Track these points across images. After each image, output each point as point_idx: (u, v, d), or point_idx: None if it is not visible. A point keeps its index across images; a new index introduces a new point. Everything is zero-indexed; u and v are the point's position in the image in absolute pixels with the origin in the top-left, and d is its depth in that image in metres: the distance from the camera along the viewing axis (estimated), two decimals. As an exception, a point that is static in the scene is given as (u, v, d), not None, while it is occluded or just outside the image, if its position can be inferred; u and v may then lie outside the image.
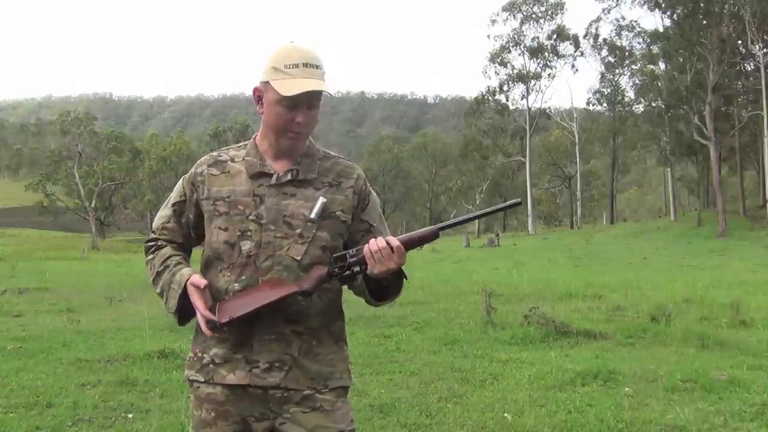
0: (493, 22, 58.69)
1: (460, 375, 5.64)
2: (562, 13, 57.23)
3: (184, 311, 1.84)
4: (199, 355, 1.89)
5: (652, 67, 50.09)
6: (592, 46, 55.34)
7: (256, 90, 1.86)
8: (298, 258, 1.82)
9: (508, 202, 1.92)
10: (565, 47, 57.42)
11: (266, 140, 1.90)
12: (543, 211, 70.05)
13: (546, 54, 57.42)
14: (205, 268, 1.91)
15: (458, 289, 11.92)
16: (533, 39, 57.26)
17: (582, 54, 56.74)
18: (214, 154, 1.97)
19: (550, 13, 56.75)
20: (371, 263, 1.76)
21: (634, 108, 55.11)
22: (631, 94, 55.32)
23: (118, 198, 64.72)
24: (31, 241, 47.62)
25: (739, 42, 42.27)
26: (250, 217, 1.83)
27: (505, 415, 4.46)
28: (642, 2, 45.91)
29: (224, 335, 1.83)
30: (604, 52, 55.05)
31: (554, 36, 56.87)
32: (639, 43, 51.67)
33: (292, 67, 1.78)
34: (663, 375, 5.37)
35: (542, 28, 57.25)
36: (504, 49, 57.92)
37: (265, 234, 1.82)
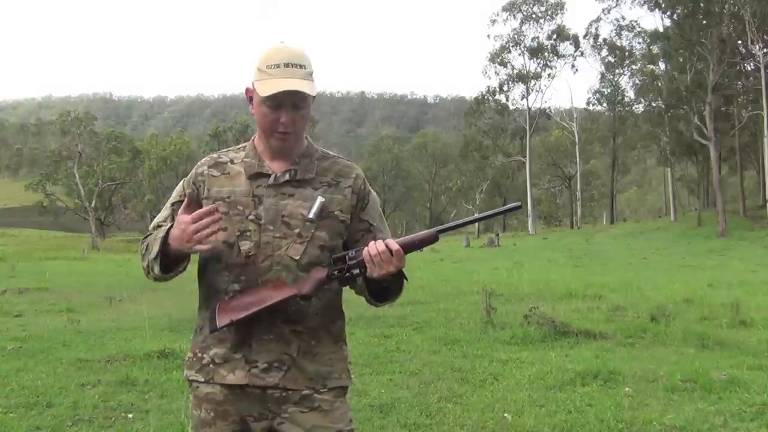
0: (493, 22, 58.73)
1: (460, 375, 5.64)
2: (562, 13, 57.36)
3: (166, 259, 1.79)
4: (199, 355, 1.89)
5: (652, 67, 50.10)
6: (592, 46, 55.42)
7: (248, 91, 1.87)
8: (297, 258, 1.82)
9: (508, 206, 1.92)
10: (565, 47, 57.50)
11: (262, 141, 1.90)
12: (543, 211, 70.04)
13: (546, 54, 57.42)
14: (204, 269, 1.90)
15: (458, 289, 11.93)
16: (533, 39, 57.30)
17: (582, 54, 56.81)
18: (214, 155, 1.97)
19: (550, 13, 56.77)
20: (370, 266, 1.76)
21: (634, 108, 55.14)
22: (631, 94, 55.42)
23: (118, 198, 64.69)
24: (31, 241, 47.59)
25: (739, 42, 42.26)
26: (249, 218, 1.84)
27: (505, 415, 4.46)
28: (642, 2, 45.96)
29: (223, 335, 1.84)
30: (604, 52, 55.13)
31: (554, 36, 56.87)
32: (639, 43, 51.78)
33: (273, 68, 1.77)
34: (663, 375, 5.37)
35: (542, 28, 57.33)
36: (504, 49, 57.94)
37: (263, 234, 1.82)
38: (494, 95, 59.12)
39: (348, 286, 1.91)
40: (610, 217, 60.24)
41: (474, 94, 63.28)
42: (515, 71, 58.17)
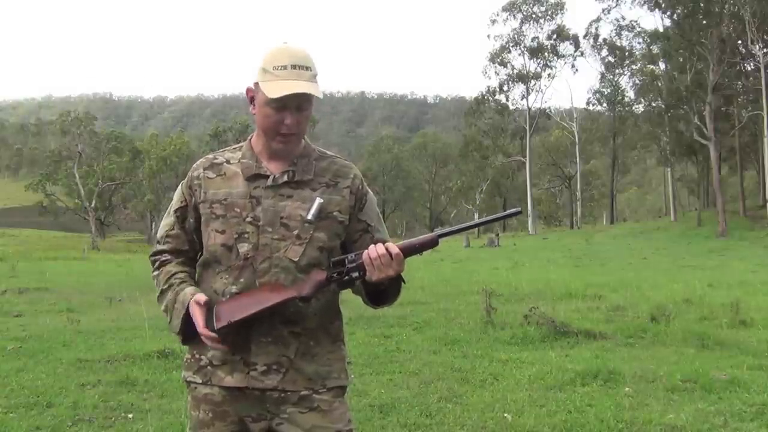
0: (493, 22, 58.82)
1: (460, 375, 5.64)
2: (562, 13, 57.45)
3: (188, 331, 1.83)
4: (197, 356, 1.89)
5: (652, 67, 50.12)
6: (592, 46, 55.49)
7: (248, 91, 1.86)
8: (296, 259, 1.81)
9: (509, 211, 1.92)
10: (565, 47, 57.60)
11: (260, 141, 1.89)
12: (543, 211, 70.04)
13: (546, 54, 57.47)
14: (203, 271, 1.90)
15: (458, 289, 11.93)
16: (533, 39, 57.36)
17: (582, 54, 56.91)
18: (210, 156, 1.96)
19: (550, 13, 56.83)
20: (370, 270, 1.76)
21: (634, 108, 55.18)
22: (631, 94, 55.47)
23: (118, 198, 64.69)
24: (31, 241, 47.64)
25: (739, 42, 42.27)
26: (247, 219, 1.83)
27: (505, 415, 4.46)
28: (642, 2, 45.99)
29: (222, 336, 1.83)
30: (604, 52, 55.20)
31: (554, 36, 56.93)
32: (639, 43, 51.83)
33: (280, 69, 1.76)
34: (663, 375, 5.37)
35: (542, 28, 57.41)
36: (504, 49, 57.99)
37: (262, 236, 1.82)
38: (494, 95, 59.21)
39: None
40: (610, 217, 60.26)
41: (474, 94, 63.45)
42: (515, 71, 58.26)
